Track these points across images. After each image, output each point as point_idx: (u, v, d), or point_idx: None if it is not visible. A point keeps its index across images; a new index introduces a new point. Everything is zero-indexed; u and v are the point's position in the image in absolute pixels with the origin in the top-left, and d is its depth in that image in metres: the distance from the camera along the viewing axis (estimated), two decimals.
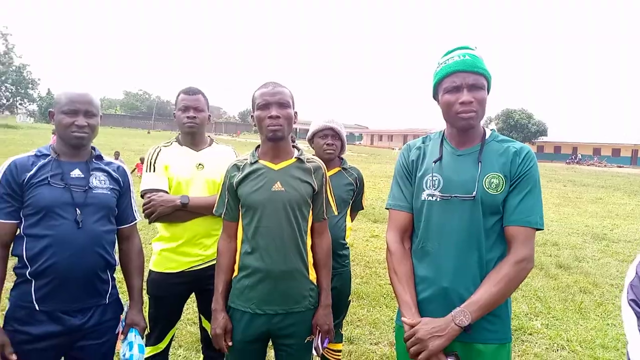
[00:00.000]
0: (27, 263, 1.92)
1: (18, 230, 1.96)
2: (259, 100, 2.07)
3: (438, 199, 1.78)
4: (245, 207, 2.09)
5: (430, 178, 1.81)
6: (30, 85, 53.35)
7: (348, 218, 2.99)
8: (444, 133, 1.90)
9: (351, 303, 5.07)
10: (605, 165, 46.06)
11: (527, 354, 4.15)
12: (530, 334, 4.59)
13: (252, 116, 2.13)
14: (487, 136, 1.83)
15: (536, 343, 4.39)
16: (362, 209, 3.16)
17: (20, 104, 55.56)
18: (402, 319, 1.76)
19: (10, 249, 1.98)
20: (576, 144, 58.37)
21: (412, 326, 1.70)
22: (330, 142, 2.83)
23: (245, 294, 2.08)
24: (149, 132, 55.91)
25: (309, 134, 2.91)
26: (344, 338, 4.16)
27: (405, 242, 1.90)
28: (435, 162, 1.82)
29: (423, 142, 1.95)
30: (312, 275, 2.16)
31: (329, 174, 2.86)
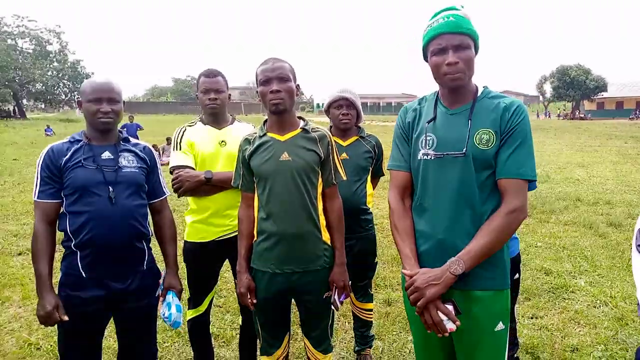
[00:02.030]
0: (71, 236, 2.17)
1: (62, 209, 2.21)
2: (260, 76, 2.21)
3: (432, 158, 1.86)
4: (258, 178, 2.26)
5: (425, 138, 1.89)
6: (85, 80, 55.88)
7: (369, 185, 3.10)
8: (438, 94, 1.96)
9: (391, 268, 5.23)
10: None
11: (567, 310, 4.15)
12: (573, 292, 4.57)
13: (257, 92, 2.27)
14: (479, 93, 1.88)
15: (578, 300, 4.38)
16: (383, 175, 3.25)
17: (78, 98, 58.43)
18: (402, 270, 1.89)
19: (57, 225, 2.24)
20: None
21: (411, 276, 1.82)
22: (345, 111, 2.92)
23: (265, 255, 2.27)
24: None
25: (325, 105, 3.02)
26: (383, 301, 4.33)
27: (406, 200, 2.00)
28: (429, 122, 1.90)
29: (419, 104, 2.02)
30: (326, 236, 2.31)
31: (346, 143, 2.99)
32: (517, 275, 2.92)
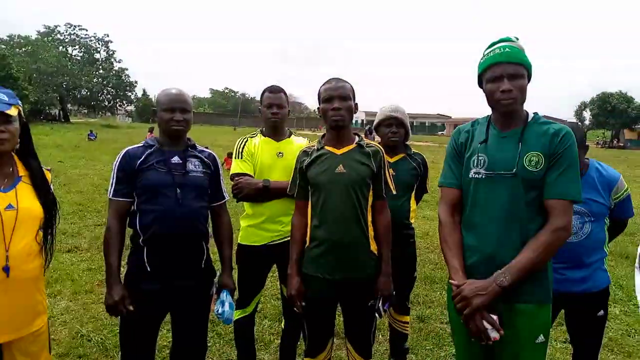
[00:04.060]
0: (140, 233, 2.36)
1: (132, 207, 2.41)
2: (323, 94, 2.40)
3: (483, 176, 2.00)
4: (313, 187, 2.43)
5: (477, 158, 2.03)
6: (128, 88, 57.88)
7: (413, 201, 3.23)
8: (490, 117, 2.11)
9: (425, 286, 5.30)
10: None
11: None
12: (607, 320, 4.54)
13: (318, 108, 2.46)
14: (529, 119, 2.01)
15: (612, 328, 4.36)
16: (427, 192, 3.38)
17: (120, 106, 60.45)
18: (450, 280, 2.01)
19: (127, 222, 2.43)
20: None
21: (458, 286, 1.95)
22: (395, 130, 3.09)
23: (316, 261, 2.42)
24: (235, 129, 57.98)
25: (375, 123, 3.19)
26: (416, 317, 4.41)
27: (456, 215, 2.14)
28: (481, 143, 2.04)
29: (472, 126, 2.17)
30: (373, 247, 2.44)
31: (394, 159, 3.14)
32: (601, 312, 2.59)
